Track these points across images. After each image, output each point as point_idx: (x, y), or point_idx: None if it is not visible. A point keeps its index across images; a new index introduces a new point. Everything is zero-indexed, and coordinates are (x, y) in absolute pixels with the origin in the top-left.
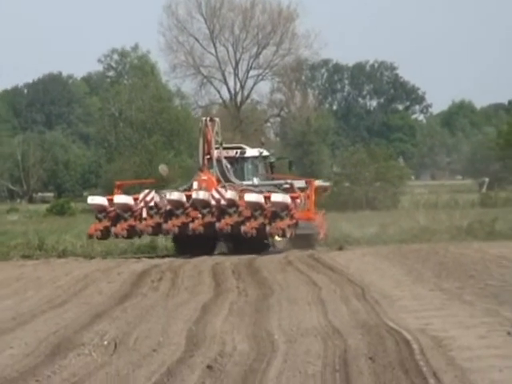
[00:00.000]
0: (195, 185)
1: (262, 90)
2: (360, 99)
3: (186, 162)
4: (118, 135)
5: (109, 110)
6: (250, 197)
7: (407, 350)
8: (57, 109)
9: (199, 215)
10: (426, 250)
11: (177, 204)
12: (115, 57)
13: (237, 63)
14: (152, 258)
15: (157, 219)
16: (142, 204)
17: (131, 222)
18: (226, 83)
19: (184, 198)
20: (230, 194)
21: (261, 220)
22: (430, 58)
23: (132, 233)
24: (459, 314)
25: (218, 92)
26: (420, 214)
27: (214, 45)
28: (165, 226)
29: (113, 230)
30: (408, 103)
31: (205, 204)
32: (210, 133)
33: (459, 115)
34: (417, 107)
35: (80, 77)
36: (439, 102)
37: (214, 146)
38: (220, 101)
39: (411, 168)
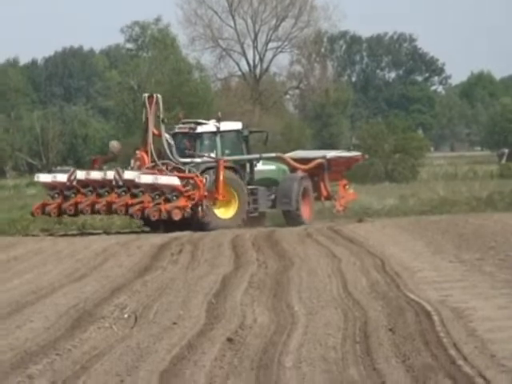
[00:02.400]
0: (132, 163)
1: (281, 63)
2: (378, 71)
3: None
4: (136, 109)
5: (128, 84)
6: (143, 178)
7: (427, 322)
8: (76, 83)
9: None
10: (446, 222)
11: (96, 183)
12: (137, 29)
13: (256, 36)
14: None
15: (82, 198)
16: (68, 183)
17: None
18: (244, 56)
19: (103, 177)
20: (127, 175)
21: (158, 201)
22: (449, 29)
23: (60, 212)
24: (479, 285)
25: (237, 64)
26: (439, 186)
27: (233, 17)
28: (80, 206)
29: (46, 208)
30: (427, 75)
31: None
32: (148, 110)
33: (478, 86)
34: (436, 78)
35: (99, 50)
36: (458, 73)
37: (151, 123)
38: (239, 73)
39: (430, 139)
